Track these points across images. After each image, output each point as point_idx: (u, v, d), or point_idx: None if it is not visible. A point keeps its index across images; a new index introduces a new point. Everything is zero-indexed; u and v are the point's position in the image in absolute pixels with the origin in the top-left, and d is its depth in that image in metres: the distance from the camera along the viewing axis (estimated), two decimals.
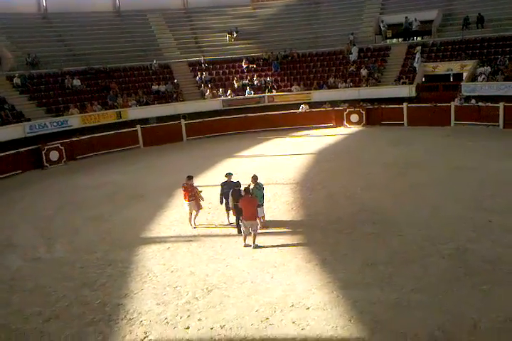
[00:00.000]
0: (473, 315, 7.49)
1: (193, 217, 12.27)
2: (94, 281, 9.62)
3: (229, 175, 12.27)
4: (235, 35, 32.45)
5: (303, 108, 26.03)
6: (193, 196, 12.08)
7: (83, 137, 21.82)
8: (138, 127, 23.25)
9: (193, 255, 10.60)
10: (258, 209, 11.45)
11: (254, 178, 11.81)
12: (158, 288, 9.17)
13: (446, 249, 9.86)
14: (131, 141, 22.97)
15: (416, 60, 26.66)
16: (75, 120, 23.07)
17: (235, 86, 28.31)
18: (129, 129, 23.11)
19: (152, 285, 9.30)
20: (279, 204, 13.55)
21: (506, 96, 22.21)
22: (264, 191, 11.91)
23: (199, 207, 12.29)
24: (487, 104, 22.19)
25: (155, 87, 27.34)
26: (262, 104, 27.22)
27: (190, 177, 12.29)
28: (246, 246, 10.72)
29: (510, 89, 22.52)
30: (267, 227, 11.73)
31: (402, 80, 26.49)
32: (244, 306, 8.31)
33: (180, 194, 14.60)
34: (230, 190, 11.69)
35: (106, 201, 14.98)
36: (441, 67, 26.22)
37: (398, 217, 11.90)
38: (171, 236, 11.80)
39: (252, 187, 11.51)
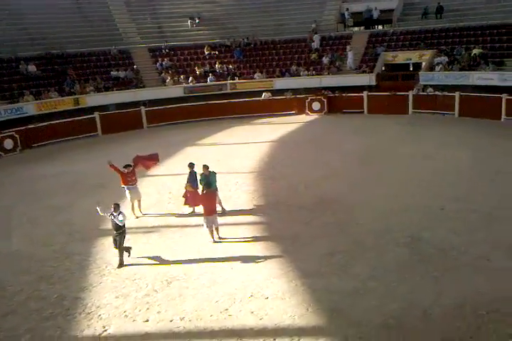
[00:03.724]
0: (425, 302, 7.80)
1: (135, 205, 12.29)
2: (51, 275, 9.50)
3: (191, 165, 12.28)
4: (196, 21, 31.98)
5: (265, 96, 26.03)
6: (135, 180, 12.09)
7: (39, 124, 21.20)
8: (96, 114, 22.74)
9: (152, 246, 10.57)
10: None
11: (206, 167, 11.87)
12: (117, 281, 9.13)
13: (402, 237, 10.17)
14: (90, 128, 22.45)
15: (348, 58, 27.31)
16: (30, 107, 22.38)
17: (197, 73, 28.00)
18: (87, 116, 22.59)
19: (111, 278, 9.25)
20: (240, 193, 13.61)
21: (462, 86, 22.78)
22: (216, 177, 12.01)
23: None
24: (443, 93, 22.73)
25: (114, 73, 26.75)
26: (225, 92, 27.06)
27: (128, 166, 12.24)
28: (215, 242, 10.54)
29: (466, 78, 23.13)
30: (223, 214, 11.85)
31: (362, 69, 26.82)
32: (204, 298, 8.37)
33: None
34: (193, 181, 11.79)
35: (65, 191, 14.70)
36: (401, 57, 26.64)
37: (357, 206, 12.15)
38: (131, 227, 11.63)
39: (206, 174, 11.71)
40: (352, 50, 27.50)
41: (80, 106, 23.77)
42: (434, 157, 15.96)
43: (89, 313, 8.16)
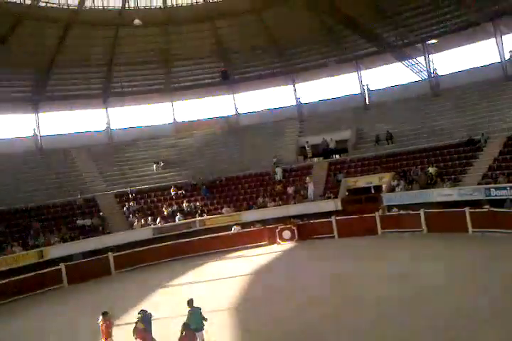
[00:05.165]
0: None
1: None
2: None
3: (142, 312, 11.72)
4: (161, 164, 33.16)
5: (235, 229, 25.95)
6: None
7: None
8: (62, 265, 21.76)
9: None
10: (198, 333, 10.94)
11: (190, 303, 11.50)
12: None
13: None
14: (55, 280, 21.24)
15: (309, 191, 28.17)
16: None
17: (165, 213, 28.09)
18: (52, 268, 21.57)
19: None
20: (217, 334, 12.51)
21: (424, 203, 23.27)
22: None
23: None
24: (408, 211, 23.16)
25: (80, 222, 26.49)
26: (194, 229, 26.93)
27: (105, 314, 11.77)
28: None
29: (427, 196, 23.85)
30: None
31: (327, 195, 27.54)
32: None
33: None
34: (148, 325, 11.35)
35: None
36: (362, 181, 27.70)
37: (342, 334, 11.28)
38: None
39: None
40: (311, 182, 28.46)
41: (44, 259, 22.88)
42: (409, 275, 15.53)
43: None
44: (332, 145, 32.27)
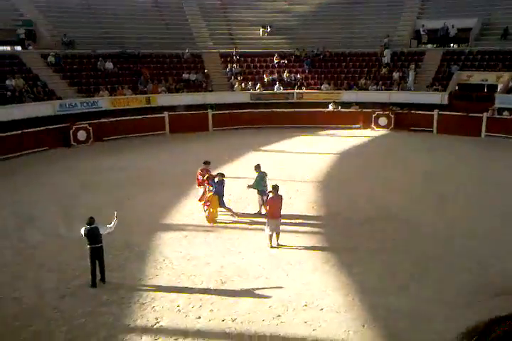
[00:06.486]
0: None
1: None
2: (110, 263, 9.68)
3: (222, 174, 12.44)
4: (268, 30, 32.26)
5: (331, 107, 25.79)
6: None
7: (112, 119, 21.97)
8: (165, 113, 23.32)
9: (209, 245, 10.62)
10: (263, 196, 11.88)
11: (257, 167, 12.42)
12: (173, 275, 9.22)
13: (468, 261, 9.68)
14: (158, 126, 23.05)
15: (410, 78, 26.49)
16: (104, 102, 23.29)
17: (265, 80, 28.19)
18: (157, 115, 23.20)
19: (167, 272, 9.36)
20: (299, 201, 13.48)
21: None
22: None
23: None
24: None
25: (185, 75, 27.37)
26: (291, 101, 27.06)
27: (206, 163, 12.86)
28: (273, 247, 10.39)
29: None
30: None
31: (434, 87, 26.08)
32: (257, 301, 8.29)
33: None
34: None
35: (129, 184, 15.11)
36: (477, 77, 25.66)
37: (421, 224, 11.72)
38: (190, 225, 11.84)
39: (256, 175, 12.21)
40: (413, 70, 26.79)
41: (150, 105, 24.48)
42: (501, 183, 15.17)
43: (143, 304, 8.26)
44: (452, 33, 29.44)
